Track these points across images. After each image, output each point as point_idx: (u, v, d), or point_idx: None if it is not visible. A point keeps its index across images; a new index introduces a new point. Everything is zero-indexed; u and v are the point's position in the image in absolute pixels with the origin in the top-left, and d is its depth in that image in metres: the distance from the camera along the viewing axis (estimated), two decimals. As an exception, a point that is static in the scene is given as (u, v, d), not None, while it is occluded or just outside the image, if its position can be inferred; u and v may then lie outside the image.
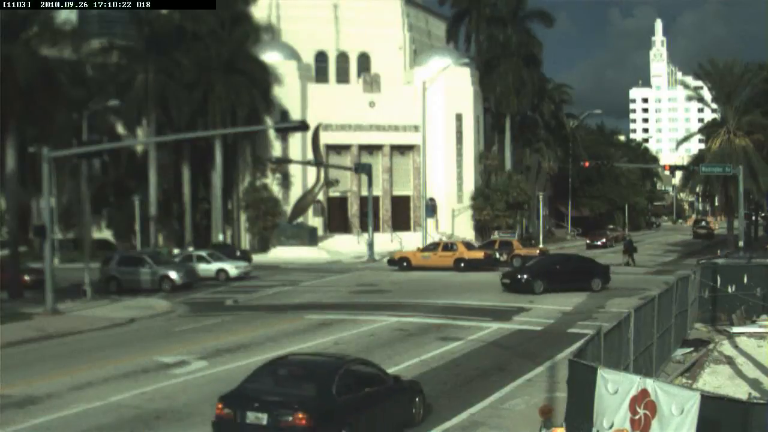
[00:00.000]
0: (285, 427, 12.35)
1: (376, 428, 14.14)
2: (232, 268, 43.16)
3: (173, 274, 38.47)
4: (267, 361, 15.21)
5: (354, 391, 13.55)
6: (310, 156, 60.99)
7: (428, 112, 57.23)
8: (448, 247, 48.60)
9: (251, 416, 12.63)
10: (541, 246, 61.28)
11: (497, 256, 48.79)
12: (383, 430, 14.28)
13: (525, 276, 35.03)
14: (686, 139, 71.36)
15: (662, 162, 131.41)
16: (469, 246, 49.33)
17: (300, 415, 12.38)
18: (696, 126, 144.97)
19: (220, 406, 13.16)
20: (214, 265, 43.23)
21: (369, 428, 13.88)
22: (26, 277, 36.00)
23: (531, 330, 25.72)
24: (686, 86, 77.36)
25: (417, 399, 15.18)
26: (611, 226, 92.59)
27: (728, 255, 35.48)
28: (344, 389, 13.28)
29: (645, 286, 35.49)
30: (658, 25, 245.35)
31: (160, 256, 43.28)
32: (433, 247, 49.70)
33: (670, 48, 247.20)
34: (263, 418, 12.54)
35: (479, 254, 47.04)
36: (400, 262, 47.66)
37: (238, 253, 50.73)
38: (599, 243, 69.77)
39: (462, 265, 45.56)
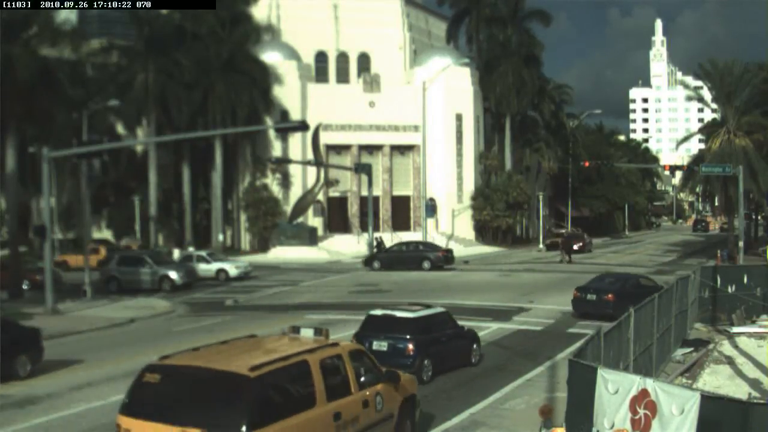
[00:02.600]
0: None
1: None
2: (232, 268, 43.18)
3: (173, 274, 38.50)
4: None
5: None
6: (310, 156, 61.00)
7: (428, 112, 57.25)
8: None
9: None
10: None
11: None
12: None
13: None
14: (686, 139, 71.23)
15: (662, 162, 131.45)
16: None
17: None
18: (696, 126, 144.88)
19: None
20: (214, 265, 43.26)
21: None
22: (38, 277, 35.39)
23: (531, 330, 25.71)
24: (686, 86, 77.26)
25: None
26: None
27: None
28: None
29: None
30: (658, 25, 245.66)
31: (159, 256, 43.28)
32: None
33: (670, 48, 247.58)
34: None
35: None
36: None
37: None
38: (576, 247, 61.83)
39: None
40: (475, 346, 20.43)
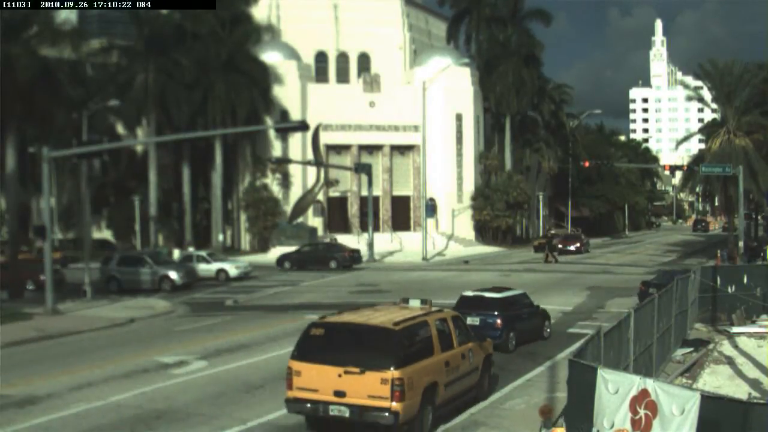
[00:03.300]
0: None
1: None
2: (232, 268, 43.19)
3: (173, 274, 38.50)
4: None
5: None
6: (310, 156, 61.01)
7: (428, 112, 57.22)
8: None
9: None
10: None
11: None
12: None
13: None
14: (686, 139, 71.22)
15: (662, 162, 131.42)
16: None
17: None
18: (696, 126, 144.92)
19: None
20: (214, 265, 43.26)
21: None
22: (42, 277, 35.20)
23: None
24: (686, 86, 77.26)
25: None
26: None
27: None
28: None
29: (645, 286, 35.40)
30: (658, 24, 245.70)
31: (159, 256, 43.28)
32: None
33: (670, 48, 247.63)
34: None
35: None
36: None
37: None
38: (572, 248, 62.12)
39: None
40: (546, 322, 24.02)
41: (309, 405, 13.78)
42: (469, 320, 20.43)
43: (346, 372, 13.33)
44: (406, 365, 13.46)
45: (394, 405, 13.19)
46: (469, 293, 23.29)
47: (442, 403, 14.76)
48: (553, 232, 69.71)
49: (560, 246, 60.95)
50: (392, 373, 13.20)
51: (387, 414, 13.21)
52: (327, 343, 13.91)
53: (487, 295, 22.85)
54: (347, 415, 13.43)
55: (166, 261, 42.42)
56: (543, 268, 48.33)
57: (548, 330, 23.92)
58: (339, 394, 13.41)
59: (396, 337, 13.75)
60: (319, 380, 13.56)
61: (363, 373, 13.25)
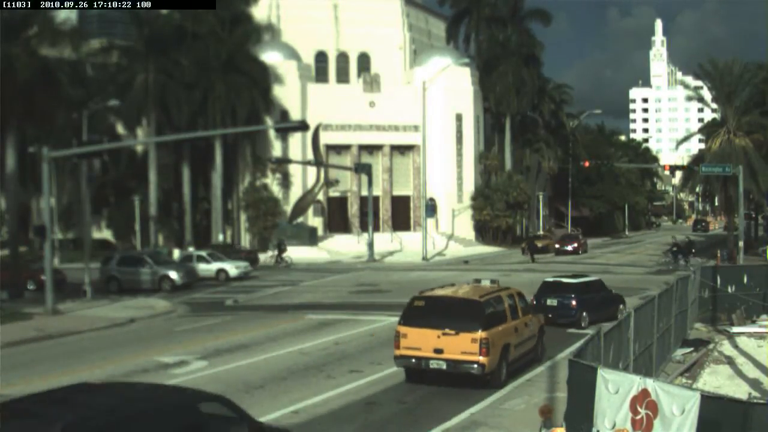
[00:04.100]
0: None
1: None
2: (232, 268, 43.17)
3: (173, 274, 38.50)
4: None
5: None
6: (310, 156, 60.99)
7: (428, 112, 57.21)
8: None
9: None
10: None
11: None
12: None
13: None
14: (686, 139, 71.27)
15: (662, 162, 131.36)
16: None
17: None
18: (696, 126, 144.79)
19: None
20: (214, 265, 43.25)
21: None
22: (43, 277, 35.17)
23: (531, 330, 25.70)
24: (686, 86, 77.22)
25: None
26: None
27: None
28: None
29: (645, 286, 35.50)
30: (658, 24, 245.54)
31: (159, 256, 43.28)
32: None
33: (670, 48, 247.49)
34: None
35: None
36: None
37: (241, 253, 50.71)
38: (570, 248, 61.42)
39: None
40: (621, 306, 26.80)
41: (414, 360, 17.53)
42: (549, 302, 25.40)
43: (443, 334, 17.18)
44: (489, 328, 17.31)
45: (482, 359, 16.99)
46: (550, 279, 27.57)
47: (512, 361, 18.33)
48: (540, 232, 69.72)
49: (557, 246, 60.88)
50: (480, 334, 17.04)
51: (476, 366, 16.99)
52: (427, 312, 17.78)
53: (565, 280, 27.09)
54: (444, 367, 17.24)
55: (166, 261, 42.42)
56: (543, 269, 48.28)
57: (624, 312, 24.72)
58: (438, 351, 17.21)
59: (482, 307, 17.75)
60: (422, 341, 17.35)
61: (458, 334, 17.07)
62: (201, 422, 9.54)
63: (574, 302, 25.50)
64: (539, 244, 59.23)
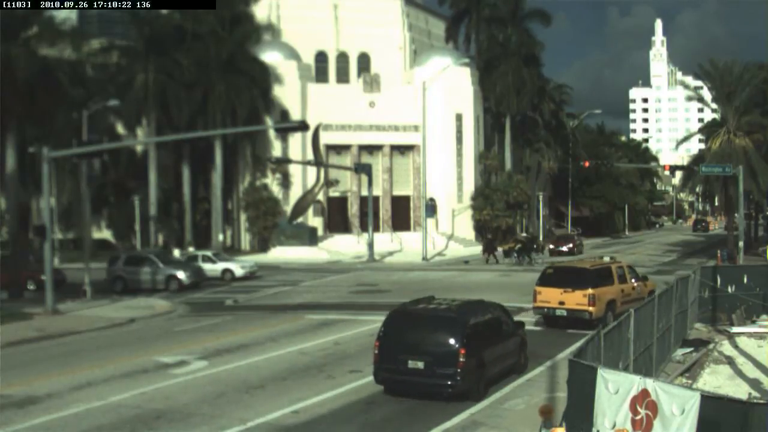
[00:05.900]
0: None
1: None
2: (237, 268, 43.12)
3: (181, 274, 38.44)
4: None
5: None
6: (310, 156, 60.96)
7: (428, 112, 57.18)
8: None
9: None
10: None
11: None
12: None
13: None
14: (686, 139, 71.18)
15: (662, 162, 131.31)
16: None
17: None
18: (696, 126, 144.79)
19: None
20: (220, 265, 43.18)
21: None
22: (43, 277, 35.20)
23: (531, 330, 25.62)
24: (686, 86, 77.22)
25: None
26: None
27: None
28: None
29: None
30: (658, 24, 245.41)
31: (166, 256, 43.18)
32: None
33: (670, 48, 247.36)
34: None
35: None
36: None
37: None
38: (565, 249, 60.36)
39: None
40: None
41: (545, 309, 25.38)
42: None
43: (564, 291, 24.74)
44: (596, 287, 24.52)
45: (591, 308, 24.28)
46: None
47: (619, 313, 21.42)
48: (491, 234, 69.41)
49: (552, 247, 60.93)
50: (589, 291, 24.34)
51: (586, 314, 24.26)
52: (554, 277, 25.62)
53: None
54: (565, 314, 24.72)
55: (173, 261, 42.27)
56: (542, 268, 48.23)
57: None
58: (561, 303, 24.84)
59: (591, 273, 25.33)
60: (550, 296, 25.07)
61: (574, 291, 24.51)
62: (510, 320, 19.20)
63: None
64: (564, 247, 59.51)
